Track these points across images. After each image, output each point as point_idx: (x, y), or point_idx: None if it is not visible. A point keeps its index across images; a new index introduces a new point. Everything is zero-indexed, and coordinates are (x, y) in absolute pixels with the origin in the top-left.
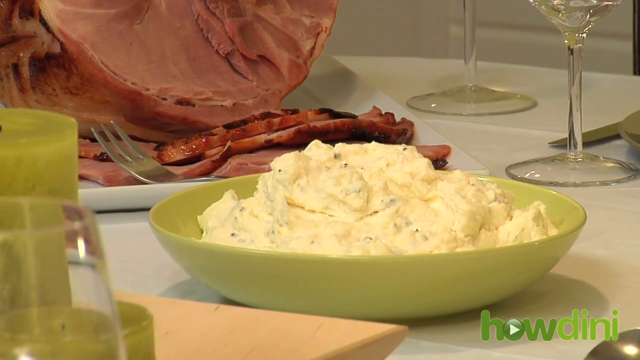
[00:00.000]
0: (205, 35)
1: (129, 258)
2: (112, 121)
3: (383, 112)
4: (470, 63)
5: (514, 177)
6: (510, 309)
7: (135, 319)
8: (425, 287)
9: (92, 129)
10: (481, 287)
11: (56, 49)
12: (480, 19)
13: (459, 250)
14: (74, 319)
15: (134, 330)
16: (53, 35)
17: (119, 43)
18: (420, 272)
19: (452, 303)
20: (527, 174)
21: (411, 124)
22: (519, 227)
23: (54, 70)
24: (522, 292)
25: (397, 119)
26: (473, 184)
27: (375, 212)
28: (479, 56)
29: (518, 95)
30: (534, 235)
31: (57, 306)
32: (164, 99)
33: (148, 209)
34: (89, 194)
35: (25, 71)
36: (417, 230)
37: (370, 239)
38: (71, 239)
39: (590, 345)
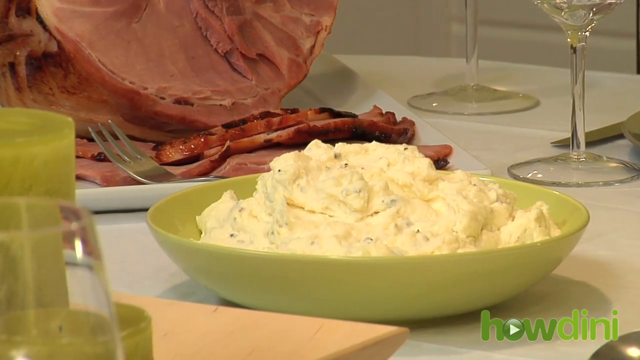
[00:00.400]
0: (204, 33)
1: (126, 259)
2: (109, 121)
3: (384, 112)
4: (472, 62)
5: (516, 177)
6: (512, 311)
7: (133, 320)
8: (427, 288)
9: (90, 129)
10: (483, 289)
11: (53, 47)
12: (482, 17)
13: (460, 251)
14: (71, 320)
15: (132, 332)
16: (50, 33)
17: (116, 42)
18: (421, 274)
19: (454, 304)
20: (530, 174)
21: (412, 124)
22: (521, 228)
23: (51, 69)
24: (524, 294)
25: (398, 118)
26: (475, 184)
27: (376, 212)
28: (481, 55)
29: (520, 95)
30: (537, 236)
31: (54, 308)
32: (162, 98)
33: (146, 210)
34: (87, 194)
35: (22, 70)
36: (418, 231)
37: (371, 239)
38: (68, 239)
39: (592, 347)
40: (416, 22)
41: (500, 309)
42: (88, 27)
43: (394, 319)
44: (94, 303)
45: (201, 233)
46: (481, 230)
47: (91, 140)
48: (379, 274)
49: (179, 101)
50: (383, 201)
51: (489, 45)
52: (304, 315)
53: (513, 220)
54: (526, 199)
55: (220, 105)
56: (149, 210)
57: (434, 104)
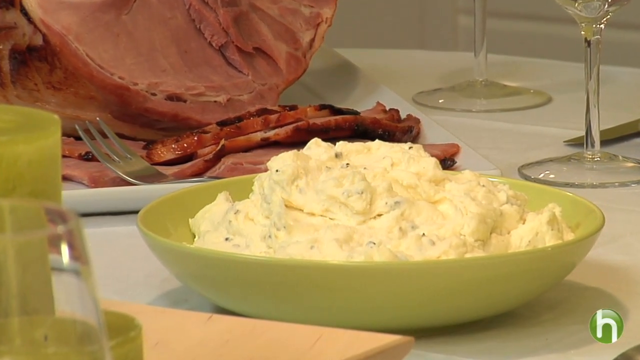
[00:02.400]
0: (198, 26)
1: (116, 264)
2: (98, 118)
3: (387, 109)
4: (481, 56)
5: (527, 178)
6: (523, 318)
7: (122, 329)
8: (433, 295)
9: (77, 127)
10: (492, 295)
11: (38, 41)
12: (490, 8)
13: (468, 255)
14: (57, 329)
15: (122, 341)
16: (35, 26)
17: (105, 35)
18: (427, 279)
19: (461, 312)
20: (541, 175)
21: (417, 121)
22: (532, 231)
23: (35, 64)
24: (535, 301)
25: (403, 115)
26: (483, 185)
27: (379, 215)
28: (490, 48)
29: (531, 91)
30: (549, 240)
31: (39, 316)
32: (154, 94)
33: (136, 212)
34: (74, 195)
35: (5, 65)
36: (423, 234)
37: (374, 243)
38: (54, 243)
39: (608, 356)
40: (421, 14)
41: (511, 316)
42: (75, 19)
43: (398, 327)
44: (81, 310)
45: (194, 237)
46: (490, 233)
47: (78, 138)
48: (382, 280)
49: (171, 97)
50: (386, 203)
51: (498, 39)
52: (303, 323)
53: (524, 223)
54: (538, 201)
55: (215, 101)
56: (139, 213)
57: (440, 101)
